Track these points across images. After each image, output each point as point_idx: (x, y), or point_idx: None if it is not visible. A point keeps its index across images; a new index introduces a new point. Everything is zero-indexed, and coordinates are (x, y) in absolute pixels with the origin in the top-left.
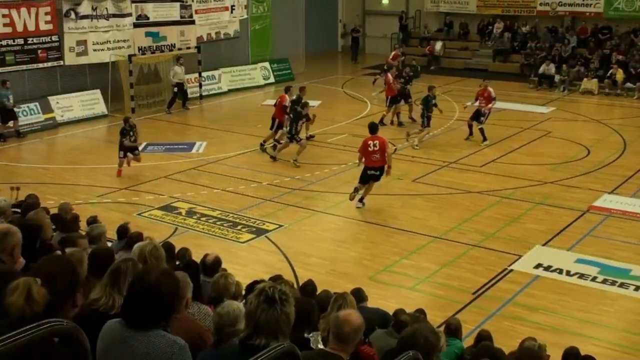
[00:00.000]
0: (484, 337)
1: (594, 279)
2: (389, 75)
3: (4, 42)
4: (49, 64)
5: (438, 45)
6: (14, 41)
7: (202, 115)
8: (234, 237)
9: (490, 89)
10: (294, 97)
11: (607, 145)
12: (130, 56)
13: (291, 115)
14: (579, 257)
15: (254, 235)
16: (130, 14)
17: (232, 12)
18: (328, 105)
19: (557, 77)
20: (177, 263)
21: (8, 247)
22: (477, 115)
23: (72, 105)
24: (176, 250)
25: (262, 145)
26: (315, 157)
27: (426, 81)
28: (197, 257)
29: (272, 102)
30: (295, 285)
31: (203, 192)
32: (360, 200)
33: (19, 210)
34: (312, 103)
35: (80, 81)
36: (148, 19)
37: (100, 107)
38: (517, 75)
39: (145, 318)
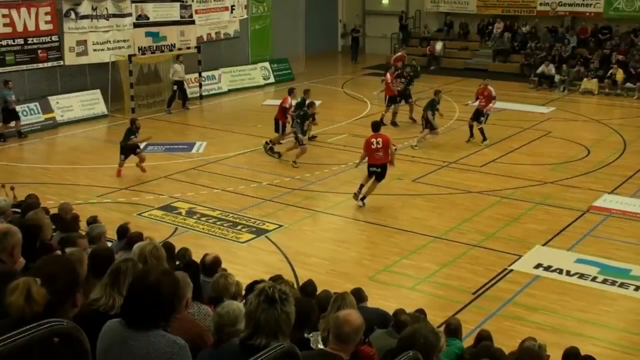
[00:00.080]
0: (484, 337)
1: (594, 279)
2: (388, 75)
3: (4, 42)
4: (49, 64)
5: (439, 46)
6: (14, 41)
7: (202, 115)
8: (234, 237)
9: (491, 87)
10: (299, 100)
11: (607, 145)
12: (130, 56)
13: (298, 120)
14: (579, 257)
15: (254, 235)
16: (130, 14)
17: (232, 12)
18: (328, 105)
19: (557, 77)
20: (177, 263)
21: (8, 247)
22: (478, 115)
23: (72, 105)
24: (176, 250)
25: (267, 143)
26: (315, 157)
27: (426, 81)
28: (197, 257)
29: (275, 102)
30: (295, 285)
31: (203, 192)
32: (362, 199)
33: (19, 210)
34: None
35: (80, 81)
36: (148, 19)
37: (100, 107)
38: (517, 75)
39: (145, 318)
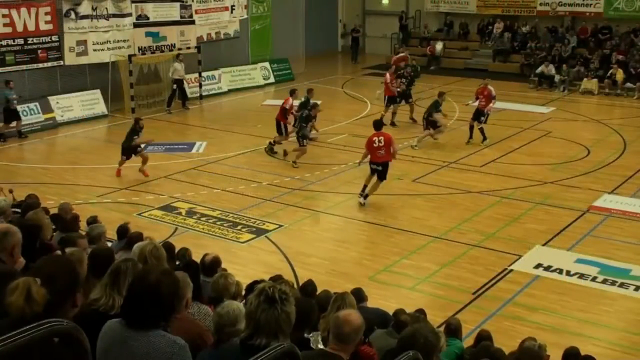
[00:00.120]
0: (484, 337)
1: (594, 279)
2: (387, 75)
3: (4, 42)
4: (49, 64)
5: (439, 46)
6: (14, 41)
7: (202, 115)
8: (234, 237)
9: (491, 87)
10: (302, 99)
11: (607, 145)
12: (130, 56)
13: (303, 124)
14: (579, 257)
15: (254, 235)
16: (130, 14)
17: (232, 12)
18: (328, 105)
19: (557, 77)
20: (177, 263)
21: (8, 246)
22: (478, 115)
23: (72, 105)
24: (176, 250)
25: (271, 143)
26: (315, 157)
27: (426, 81)
28: (197, 257)
29: (275, 102)
30: (295, 285)
31: (203, 192)
32: (365, 196)
33: (19, 210)
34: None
35: (80, 81)
36: (148, 19)
37: (100, 107)
38: (517, 75)
39: (145, 318)
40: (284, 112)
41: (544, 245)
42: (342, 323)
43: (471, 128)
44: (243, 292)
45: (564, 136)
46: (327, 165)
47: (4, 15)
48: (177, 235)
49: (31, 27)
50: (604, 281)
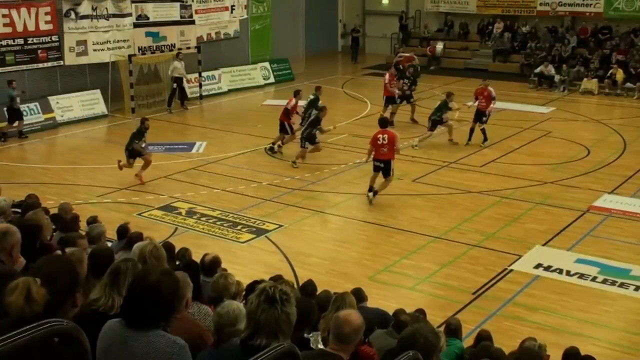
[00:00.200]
0: (483, 337)
1: (594, 279)
2: (387, 75)
3: (4, 42)
4: (49, 64)
5: (439, 47)
6: (14, 41)
7: (202, 115)
8: (234, 237)
9: (491, 88)
10: (311, 97)
11: (607, 145)
12: (130, 56)
13: (310, 127)
14: (579, 257)
15: (254, 235)
16: (130, 14)
17: (232, 12)
18: (328, 105)
19: (557, 77)
20: (177, 263)
21: (7, 246)
22: (480, 116)
23: (72, 105)
24: (176, 250)
25: (277, 146)
26: (315, 157)
27: (426, 81)
28: (197, 257)
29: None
30: (295, 285)
31: (203, 192)
32: (374, 193)
33: (19, 210)
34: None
35: (80, 81)
36: (148, 19)
37: (100, 107)
38: (517, 75)
39: (145, 318)
40: (286, 112)
41: (544, 245)
42: (342, 323)
43: (471, 130)
44: (243, 293)
45: (564, 136)
46: (327, 165)
47: (4, 15)
48: (177, 235)
49: (31, 27)
50: (604, 281)
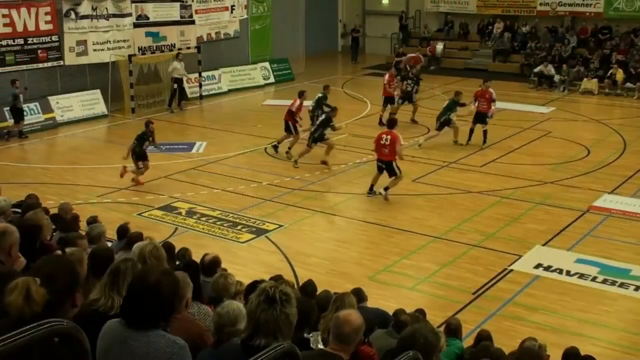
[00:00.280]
0: (483, 337)
1: (594, 279)
2: (386, 75)
3: (4, 42)
4: (49, 64)
5: (439, 47)
6: (14, 41)
7: (202, 115)
8: (234, 237)
9: (492, 90)
10: (320, 95)
11: (607, 145)
12: (130, 56)
13: (321, 127)
14: (579, 257)
15: (254, 235)
16: (130, 14)
17: (232, 12)
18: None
19: (557, 77)
20: (177, 263)
21: (6, 246)
22: (482, 118)
23: (72, 105)
24: (176, 250)
25: (287, 152)
26: (316, 157)
27: (426, 81)
28: (197, 257)
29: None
30: (295, 285)
31: (203, 192)
32: (385, 189)
33: (19, 210)
34: (308, 103)
35: (80, 81)
36: (148, 19)
37: (100, 107)
38: (517, 75)
39: (145, 318)
40: (291, 113)
41: (544, 245)
42: (342, 323)
43: (471, 131)
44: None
45: (564, 136)
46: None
47: (4, 15)
48: (177, 235)
49: (31, 27)
50: (604, 281)
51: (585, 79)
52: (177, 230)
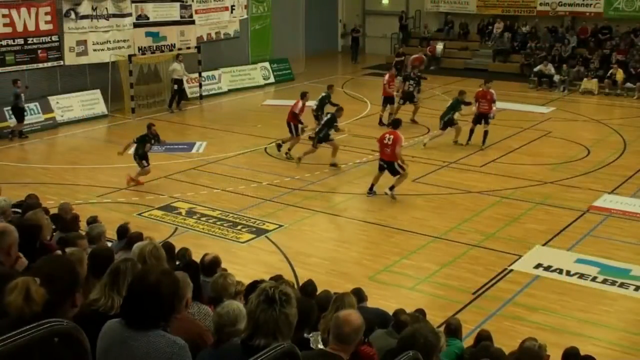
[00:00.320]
0: (483, 337)
1: (594, 279)
2: (386, 76)
3: (4, 42)
4: (49, 64)
5: (439, 47)
6: (14, 41)
7: (202, 115)
8: (234, 237)
9: (493, 90)
10: (323, 94)
11: (607, 145)
12: (130, 56)
13: (326, 127)
14: (579, 257)
15: (254, 235)
16: (130, 14)
17: (232, 12)
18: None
19: (557, 77)
20: (177, 263)
21: (4, 246)
22: (483, 118)
23: (72, 105)
24: (176, 250)
25: (286, 154)
26: (316, 157)
27: (426, 81)
28: (197, 257)
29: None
30: (295, 285)
31: (203, 192)
32: (391, 188)
33: (19, 210)
34: (311, 103)
35: (80, 81)
36: (148, 19)
37: (100, 107)
38: (517, 75)
39: (145, 318)
40: (294, 115)
41: (544, 245)
42: (342, 323)
43: (471, 131)
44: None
45: (564, 136)
46: (327, 165)
47: (4, 15)
48: (177, 235)
49: (31, 27)
50: (604, 281)
51: (585, 79)
52: (177, 230)
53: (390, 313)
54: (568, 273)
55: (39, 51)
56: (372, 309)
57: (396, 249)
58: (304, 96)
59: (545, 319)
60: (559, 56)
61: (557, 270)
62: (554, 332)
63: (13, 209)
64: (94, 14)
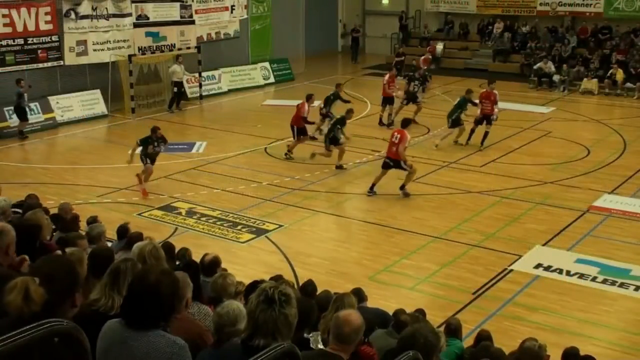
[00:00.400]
0: (483, 337)
1: (594, 279)
2: (386, 76)
3: (4, 42)
4: (49, 64)
5: (439, 47)
6: (14, 41)
7: (202, 115)
8: (234, 237)
9: (496, 91)
10: (332, 93)
11: (607, 145)
12: (130, 56)
13: (338, 126)
14: (579, 257)
15: (254, 235)
16: (130, 14)
17: (232, 12)
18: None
19: (557, 77)
20: (177, 263)
21: (3, 245)
22: (486, 119)
23: (72, 105)
24: (176, 250)
25: (287, 154)
26: (319, 158)
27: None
28: (197, 257)
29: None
30: (295, 285)
31: (203, 192)
32: (401, 187)
33: (19, 210)
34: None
35: (80, 81)
36: (148, 19)
37: (100, 107)
38: (517, 75)
39: (145, 318)
40: (303, 119)
41: (544, 245)
42: (342, 323)
43: (472, 131)
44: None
45: (564, 136)
46: (327, 165)
47: (4, 15)
48: (177, 235)
49: (31, 27)
50: (604, 281)
51: (585, 79)
52: (177, 230)
53: (390, 313)
54: (568, 273)
55: (39, 51)
56: (372, 309)
57: (396, 249)
58: (309, 98)
59: (545, 319)
60: (559, 56)
61: (557, 270)
62: (554, 332)
63: (13, 209)
64: (94, 14)
